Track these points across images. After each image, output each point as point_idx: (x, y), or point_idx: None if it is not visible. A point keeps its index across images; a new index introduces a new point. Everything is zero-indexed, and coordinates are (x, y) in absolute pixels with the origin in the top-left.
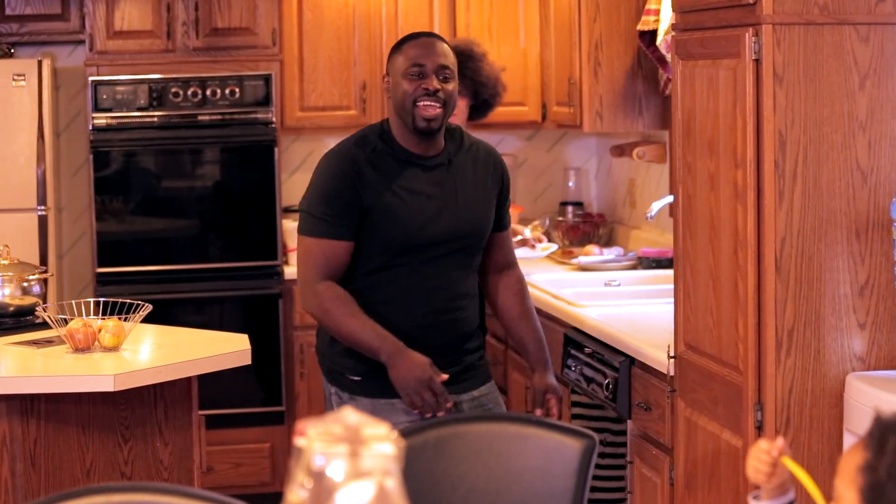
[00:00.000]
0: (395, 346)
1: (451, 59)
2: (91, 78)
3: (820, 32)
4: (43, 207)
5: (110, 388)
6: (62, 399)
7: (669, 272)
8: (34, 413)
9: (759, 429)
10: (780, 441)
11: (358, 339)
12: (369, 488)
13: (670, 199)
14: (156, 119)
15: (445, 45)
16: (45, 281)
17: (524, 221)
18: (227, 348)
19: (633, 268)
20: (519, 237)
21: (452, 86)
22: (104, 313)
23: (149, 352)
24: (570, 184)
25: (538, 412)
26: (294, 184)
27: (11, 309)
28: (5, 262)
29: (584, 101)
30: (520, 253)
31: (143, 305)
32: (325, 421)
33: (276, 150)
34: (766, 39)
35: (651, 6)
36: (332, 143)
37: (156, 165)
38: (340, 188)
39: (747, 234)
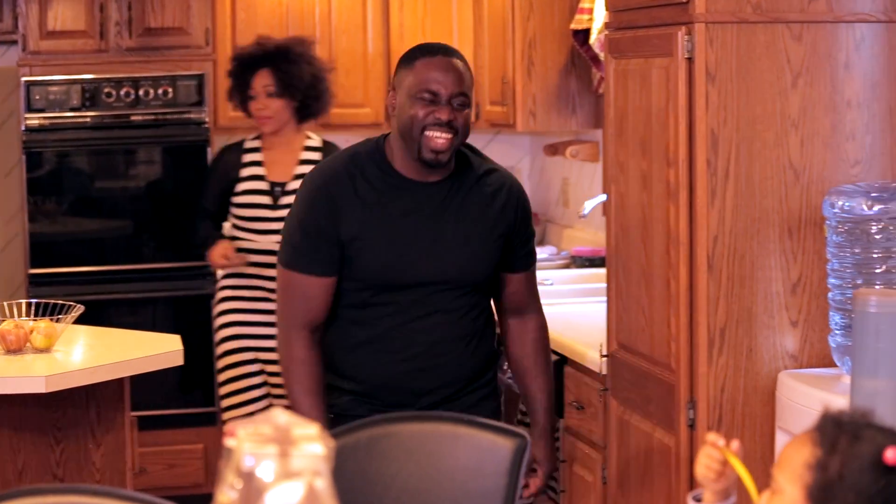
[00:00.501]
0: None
1: (468, 82)
2: (24, 78)
3: (753, 31)
4: None
5: (42, 390)
6: None
7: (602, 271)
8: None
9: (692, 427)
10: (735, 443)
11: (296, 411)
12: (299, 488)
13: (603, 197)
14: (89, 119)
15: (462, 64)
16: None
17: None
18: (160, 349)
19: (566, 267)
20: None
21: (467, 113)
22: (36, 314)
23: (81, 353)
24: None
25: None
26: None
27: None
28: None
29: (518, 100)
30: None
31: (75, 306)
32: (255, 421)
33: (209, 150)
34: (698, 38)
35: (584, 5)
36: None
37: (89, 166)
38: (316, 217)
39: (679, 232)
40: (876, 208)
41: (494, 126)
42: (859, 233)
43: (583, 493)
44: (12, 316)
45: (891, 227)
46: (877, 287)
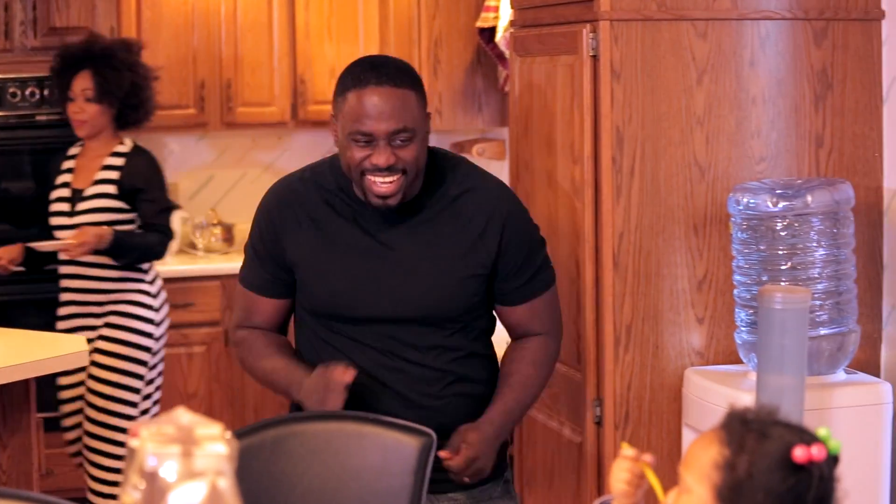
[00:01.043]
0: (301, 377)
1: (410, 111)
2: None
3: (657, 28)
4: None
5: None
6: None
7: None
8: None
9: (599, 424)
10: (648, 456)
11: (273, 383)
12: (202, 488)
13: None
14: None
15: (400, 91)
16: None
17: None
18: (65, 350)
19: None
20: None
21: (414, 148)
22: None
23: None
24: None
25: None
26: None
27: None
28: None
29: None
30: None
31: None
32: (158, 421)
33: None
34: (603, 35)
35: (490, 3)
36: (171, 142)
37: None
38: (265, 235)
39: (585, 230)
40: (781, 205)
41: None
42: (764, 230)
43: None
44: None
45: (796, 224)
46: (782, 283)
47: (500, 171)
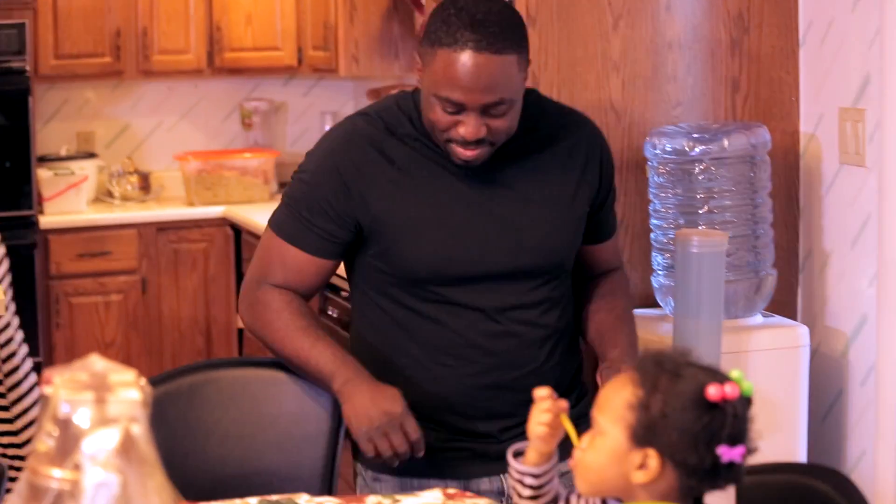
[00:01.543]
0: (354, 370)
1: (510, 84)
2: None
3: None
4: None
5: None
6: None
7: None
8: None
9: None
10: (563, 403)
11: (305, 362)
12: (115, 435)
13: None
14: None
15: (504, 60)
16: None
17: (282, 167)
18: None
19: None
20: None
21: (508, 118)
22: None
23: None
24: (327, 128)
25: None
26: (49, 132)
27: None
28: None
29: (340, 45)
30: None
31: None
32: (72, 368)
33: (30, 98)
34: None
35: None
36: (87, 90)
37: None
38: (329, 189)
39: None
40: (698, 149)
41: (317, 71)
42: (681, 174)
43: None
44: None
45: (712, 168)
46: (699, 227)
47: None
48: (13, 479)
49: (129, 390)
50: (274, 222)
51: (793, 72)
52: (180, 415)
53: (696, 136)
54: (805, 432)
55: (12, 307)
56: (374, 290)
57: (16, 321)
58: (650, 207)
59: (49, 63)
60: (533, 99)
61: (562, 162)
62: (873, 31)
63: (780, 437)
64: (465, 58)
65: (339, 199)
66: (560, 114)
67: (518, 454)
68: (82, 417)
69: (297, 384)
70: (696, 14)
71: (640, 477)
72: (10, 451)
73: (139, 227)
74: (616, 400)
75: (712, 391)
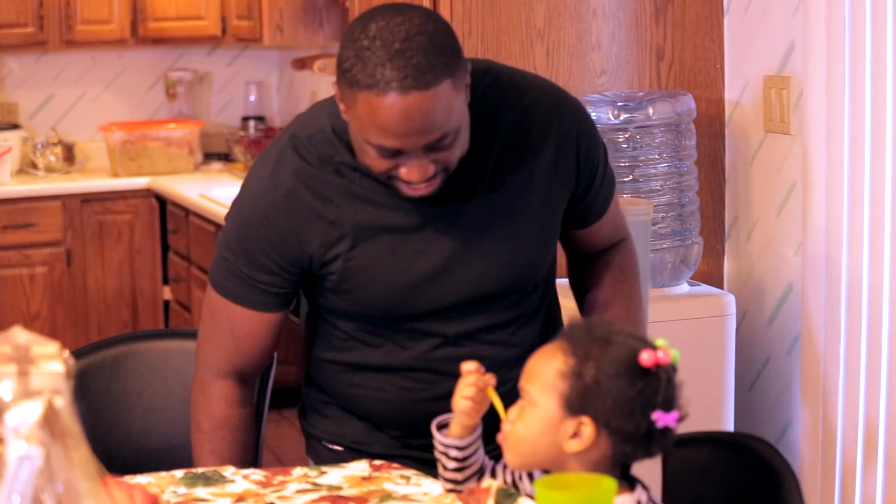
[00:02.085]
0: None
1: (450, 113)
2: None
3: None
4: None
5: None
6: None
7: None
8: None
9: None
10: (490, 377)
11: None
12: (38, 407)
13: None
14: None
15: (435, 91)
16: None
17: (207, 137)
18: None
19: None
20: None
21: (458, 144)
22: None
23: None
24: (252, 98)
25: None
26: None
27: None
28: None
29: (264, 14)
30: None
31: None
32: None
33: None
34: None
35: None
36: (10, 61)
37: None
38: (264, 245)
39: None
40: (622, 117)
41: (241, 41)
42: (606, 142)
43: None
44: None
45: (637, 137)
46: (624, 196)
47: None
48: None
49: (51, 363)
50: (215, 279)
51: (717, 39)
52: (104, 387)
53: (620, 104)
54: (732, 401)
55: None
56: (329, 312)
57: None
58: None
59: None
60: (489, 82)
61: (529, 158)
62: None
63: (706, 407)
64: (391, 101)
65: (276, 251)
66: (521, 97)
67: (442, 426)
68: (5, 390)
69: None
70: None
71: (573, 446)
72: None
73: (64, 198)
74: (546, 369)
75: (645, 357)
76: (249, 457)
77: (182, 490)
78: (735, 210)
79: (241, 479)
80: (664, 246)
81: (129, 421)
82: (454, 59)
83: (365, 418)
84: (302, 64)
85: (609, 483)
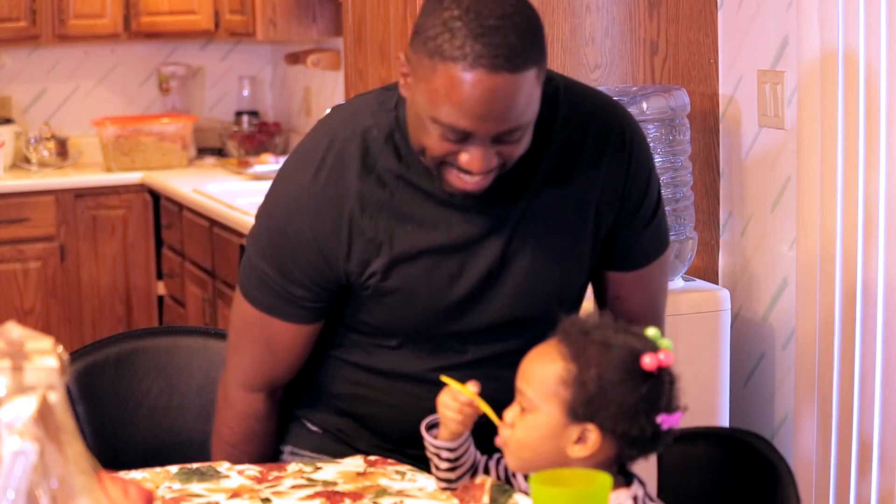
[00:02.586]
0: None
1: (529, 105)
2: None
3: None
4: None
5: None
6: None
7: None
8: None
9: None
10: (472, 385)
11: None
12: (32, 403)
13: None
14: None
15: (522, 77)
16: None
17: (200, 132)
18: None
19: None
20: None
21: (524, 140)
22: None
23: None
24: (245, 93)
25: None
26: None
27: None
28: None
29: (257, 8)
30: None
31: None
32: None
33: None
34: None
35: None
36: (3, 55)
37: None
38: (303, 263)
39: None
40: None
41: (234, 35)
42: None
43: None
44: None
45: None
46: None
47: (336, 81)
48: None
49: (46, 358)
50: (247, 290)
51: (711, 34)
52: (108, 387)
53: (614, 99)
54: (727, 397)
55: None
56: (349, 317)
57: None
58: None
59: None
60: (549, 91)
61: (575, 181)
62: None
63: (701, 402)
64: (477, 79)
65: (313, 267)
66: (576, 111)
67: (432, 426)
68: None
69: (223, 351)
70: None
71: (578, 451)
72: None
73: (57, 193)
74: (546, 374)
75: (647, 361)
76: (266, 461)
77: (177, 485)
78: (729, 205)
79: (236, 475)
80: None
81: (134, 419)
82: (544, 47)
83: (357, 418)
84: (295, 58)
85: (605, 479)
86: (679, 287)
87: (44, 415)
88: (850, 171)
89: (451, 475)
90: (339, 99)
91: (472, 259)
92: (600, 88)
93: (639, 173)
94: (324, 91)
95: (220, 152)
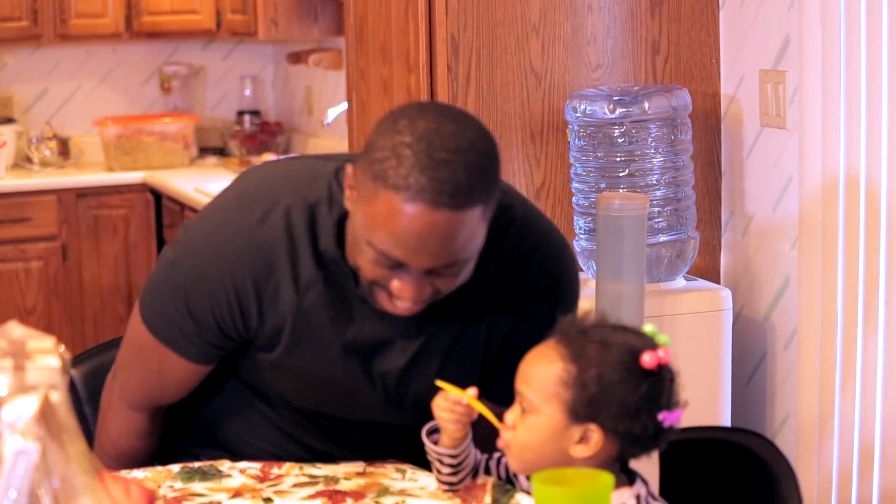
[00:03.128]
0: None
1: (468, 242)
2: None
3: None
4: None
5: None
6: None
7: None
8: None
9: None
10: (471, 390)
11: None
12: (34, 402)
13: (346, 105)
14: None
15: (464, 216)
16: None
17: (202, 132)
18: None
19: None
20: None
21: (461, 274)
22: None
23: None
24: (247, 92)
25: None
26: None
27: None
28: None
29: (259, 8)
30: None
31: None
32: None
33: None
34: None
35: None
36: (5, 55)
37: None
38: (223, 312)
39: None
40: (618, 112)
41: (236, 35)
42: (602, 137)
43: None
44: None
45: (633, 131)
46: (620, 191)
47: (338, 80)
48: None
49: (47, 357)
50: (148, 318)
51: (713, 33)
52: None
53: (616, 98)
54: (728, 396)
55: None
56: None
57: None
58: (571, 171)
59: None
60: (503, 221)
61: (493, 317)
62: None
63: (703, 402)
64: (417, 212)
65: (224, 317)
66: (519, 249)
67: (432, 431)
68: (1, 385)
69: None
70: None
71: (580, 451)
72: None
73: (59, 193)
74: (545, 375)
75: (647, 359)
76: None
77: (178, 485)
78: (731, 205)
79: (238, 474)
80: (660, 240)
81: None
82: (493, 185)
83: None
84: (297, 58)
85: (607, 478)
86: (681, 287)
87: (46, 414)
88: (851, 169)
89: (454, 479)
90: (342, 99)
91: (379, 360)
92: (602, 88)
93: (546, 319)
94: (325, 90)
95: (221, 152)
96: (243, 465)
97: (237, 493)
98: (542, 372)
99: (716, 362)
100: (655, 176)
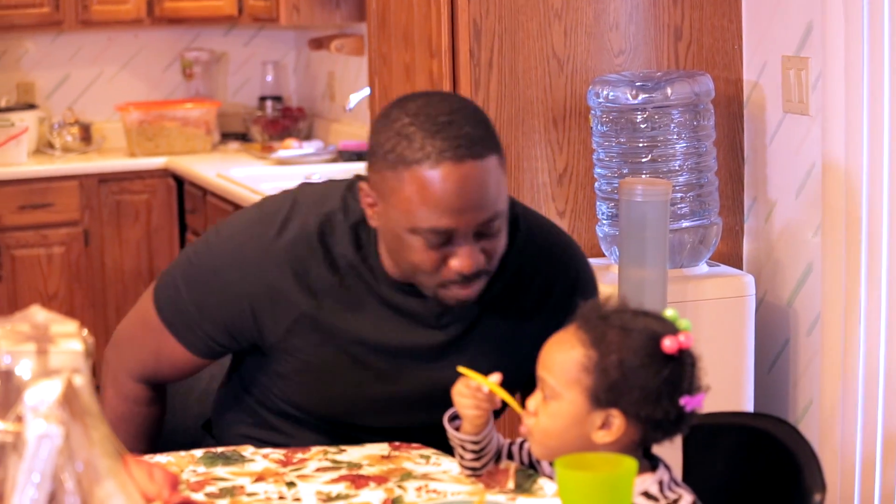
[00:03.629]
0: None
1: (500, 191)
2: None
3: None
4: None
5: None
6: None
7: None
8: None
9: None
10: (494, 376)
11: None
12: (58, 386)
13: (368, 91)
14: None
15: (486, 163)
16: None
17: (224, 117)
18: None
19: (333, 161)
20: None
21: (502, 234)
22: None
23: None
24: (269, 78)
25: None
26: None
27: None
28: None
29: None
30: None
31: None
32: (13, 320)
33: None
34: None
35: None
36: (27, 41)
37: None
38: (230, 311)
39: None
40: (640, 97)
41: (258, 21)
42: (624, 122)
43: None
44: None
45: (655, 117)
46: (643, 176)
47: (360, 66)
48: None
49: (71, 341)
50: (160, 303)
51: (735, 19)
52: None
53: (639, 84)
54: (751, 382)
55: None
56: (251, 372)
57: None
58: (594, 156)
59: None
60: (517, 229)
61: (520, 314)
62: None
63: (726, 388)
64: (446, 172)
65: (241, 321)
66: (531, 245)
67: (453, 417)
68: (24, 369)
69: None
70: None
71: (603, 437)
72: None
73: (81, 178)
74: (567, 361)
75: (668, 343)
76: (147, 448)
77: (201, 469)
78: (754, 191)
79: (261, 459)
80: (683, 226)
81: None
82: (496, 137)
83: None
84: (319, 44)
85: (630, 463)
86: (703, 272)
87: (69, 398)
88: (874, 156)
89: (477, 464)
90: (364, 84)
91: (402, 365)
92: (624, 73)
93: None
94: (347, 76)
95: (243, 137)
96: (267, 450)
97: (260, 478)
98: (563, 358)
99: (738, 348)
100: (678, 162)
